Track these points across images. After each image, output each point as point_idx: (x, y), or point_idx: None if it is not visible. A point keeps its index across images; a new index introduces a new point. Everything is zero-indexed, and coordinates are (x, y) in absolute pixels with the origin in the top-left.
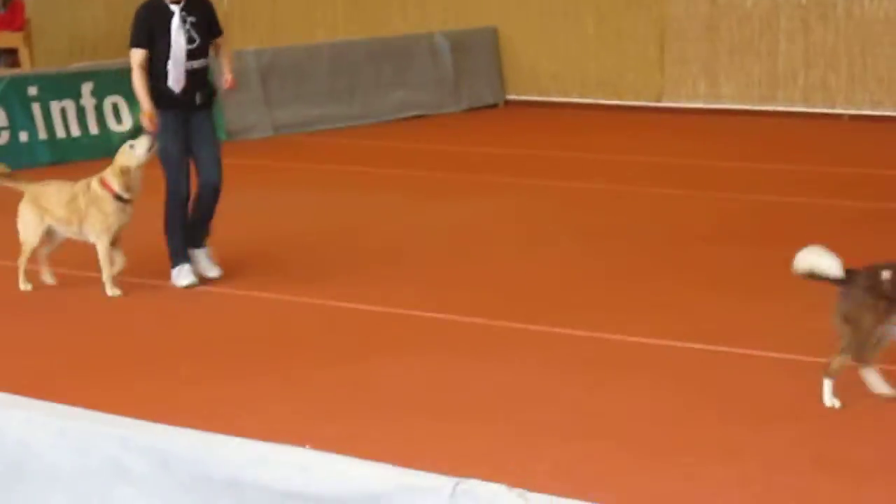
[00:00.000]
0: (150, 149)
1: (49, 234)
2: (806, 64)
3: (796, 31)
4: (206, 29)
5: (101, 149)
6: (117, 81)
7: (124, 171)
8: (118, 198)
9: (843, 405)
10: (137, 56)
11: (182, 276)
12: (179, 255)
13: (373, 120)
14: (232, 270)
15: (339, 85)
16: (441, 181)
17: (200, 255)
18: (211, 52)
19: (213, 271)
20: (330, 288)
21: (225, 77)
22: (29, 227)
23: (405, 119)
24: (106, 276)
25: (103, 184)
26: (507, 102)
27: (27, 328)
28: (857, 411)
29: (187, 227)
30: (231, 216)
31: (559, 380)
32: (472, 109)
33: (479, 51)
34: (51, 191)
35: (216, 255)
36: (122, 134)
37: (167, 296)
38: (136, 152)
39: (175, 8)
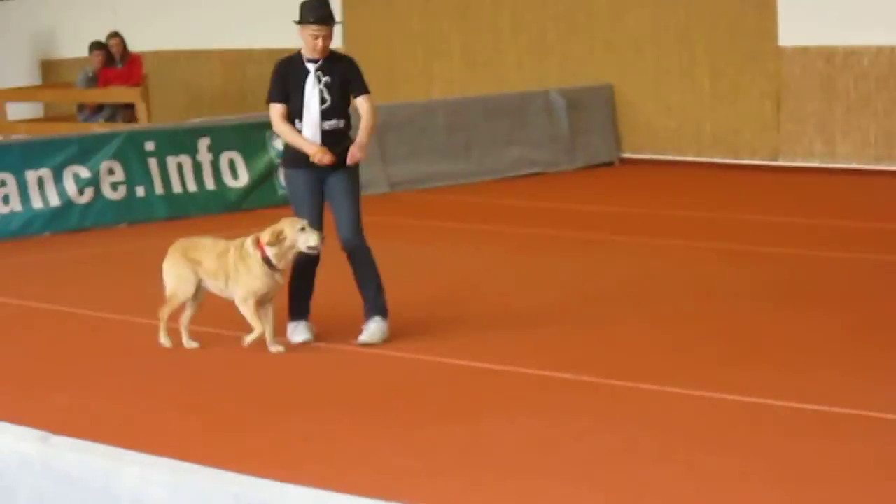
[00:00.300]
0: (318, 244)
1: (198, 289)
2: None
3: None
4: (342, 89)
5: (217, 204)
6: (234, 137)
7: (280, 239)
8: (267, 262)
9: None
10: (277, 109)
11: (297, 332)
12: (296, 312)
13: (488, 177)
14: (348, 326)
15: (455, 141)
16: (556, 238)
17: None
18: (353, 111)
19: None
20: (443, 344)
21: (351, 149)
22: (181, 280)
23: (521, 176)
24: (257, 335)
25: (257, 244)
26: (623, 160)
27: (146, 379)
28: None
29: (308, 288)
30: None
31: (669, 440)
32: (587, 167)
33: (594, 108)
34: (204, 243)
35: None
36: (237, 190)
37: (285, 350)
38: (304, 238)
39: (311, 66)
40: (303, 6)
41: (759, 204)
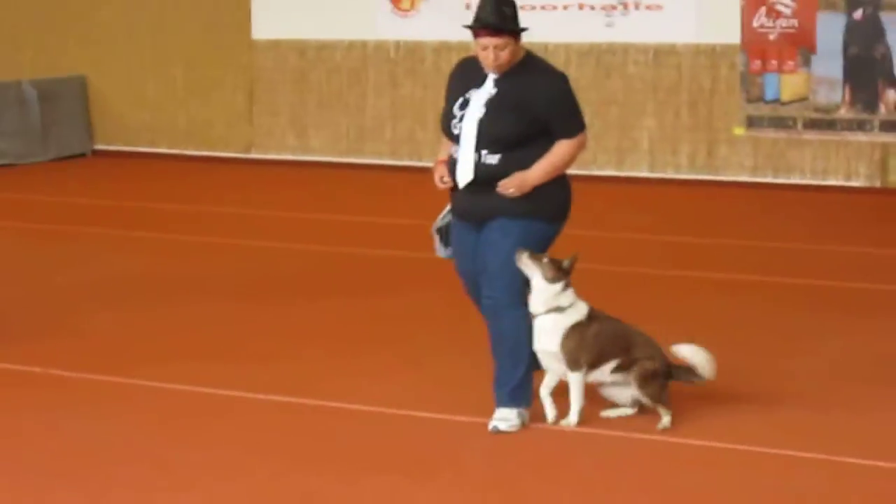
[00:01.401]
0: None
1: None
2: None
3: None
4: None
5: None
6: None
7: None
8: None
9: None
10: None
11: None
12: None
13: None
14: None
15: None
16: (25, 231)
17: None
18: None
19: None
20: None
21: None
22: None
23: None
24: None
25: None
26: (96, 152)
27: None
28: None
29: None
30: None
31: (141, 434)
32: (59, 159)
33: (67, 99)
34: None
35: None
36: None
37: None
38: None
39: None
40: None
41: (232, 196)
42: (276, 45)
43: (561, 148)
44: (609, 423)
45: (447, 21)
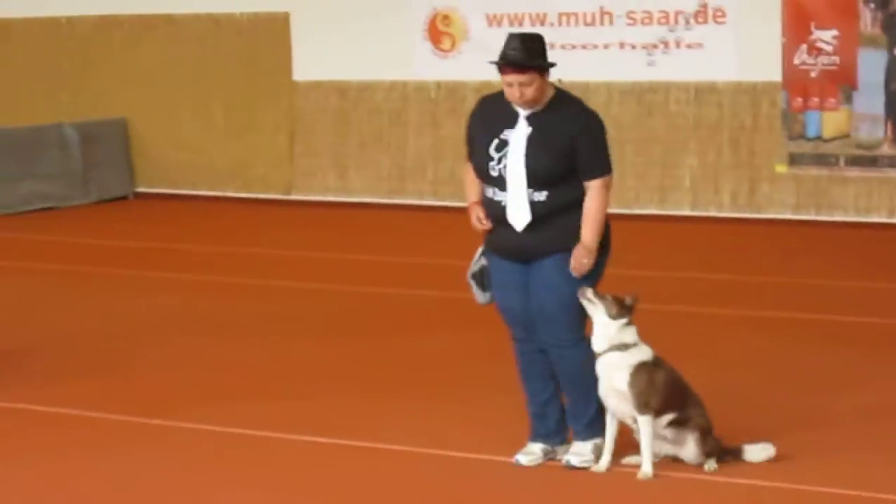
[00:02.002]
0: None
1: None
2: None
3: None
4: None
5: None
6: None
7: None
8: None
9: None
10: None
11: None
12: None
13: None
14: None
15: None
16: (70, 273)
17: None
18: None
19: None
20: None
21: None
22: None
23: (33, 211)
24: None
25: None
26: (137, 195)
27: None
28: None
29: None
30: None
31: (179, 474)
32: (101, 202)
33: (108, 141)
34: None
35: None
36: None
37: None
38: None
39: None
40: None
41: (273, 238)
42: (317, 86)
43: (594, 200)
44: (659, 463)
45: (487, 61)
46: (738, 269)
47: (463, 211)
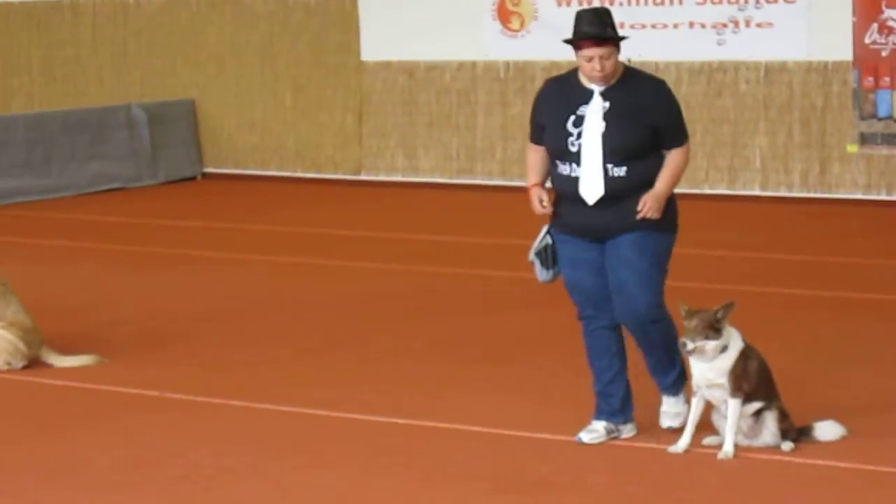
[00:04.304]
0: None
1: None
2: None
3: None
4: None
5: None
6: None
7: None
8: None
9: None
10: None
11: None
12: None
13: (68, 193)
14: None
15: (35, 156)
16: (137, 254)
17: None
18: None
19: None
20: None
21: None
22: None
23: (101, 192)
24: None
25: None
26: (205, 175)
27: None
28: None
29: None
30: None
31: (263, 458)
32: (169, 182)
33: (176, 122)
34: None
35: None
36: None
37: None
38: None
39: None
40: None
41: (341, 218)
42: (385, 67)
43: (676, 159)
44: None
45: (557, 40)
46: (809, 250)
47: None
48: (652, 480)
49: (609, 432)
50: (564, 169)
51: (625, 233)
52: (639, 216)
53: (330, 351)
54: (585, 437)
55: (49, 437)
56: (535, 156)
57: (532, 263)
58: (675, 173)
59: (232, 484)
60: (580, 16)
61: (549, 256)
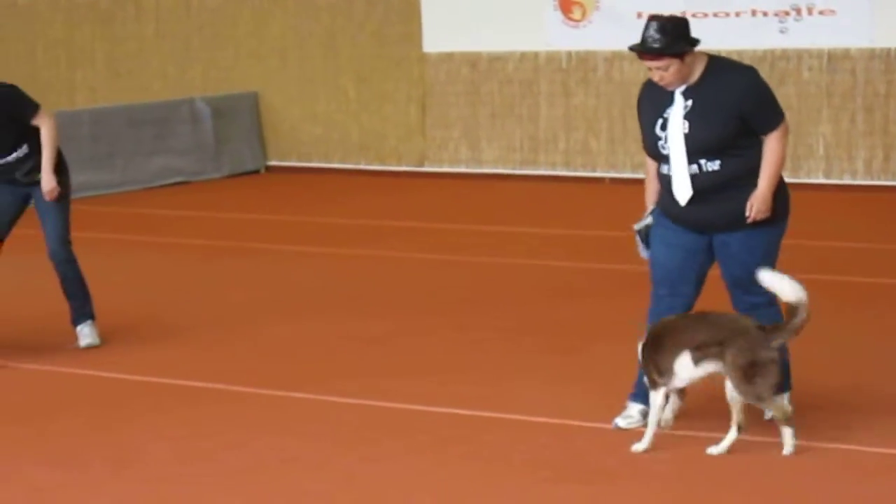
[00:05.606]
0: None
1: None
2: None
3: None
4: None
5: None
6: None
7: None
8: None
9: None
10: None
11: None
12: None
13: (132, 187)
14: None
15: (99, 151)
16: (204, 248)
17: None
18: None
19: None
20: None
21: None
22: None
23: (165, 186)
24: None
25: None
26: (269, 168)
27: None
28: None
29: None
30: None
31: (328, 450)
32: (233, 175)
33: (239, 116)
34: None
35: None
36: None
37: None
38: None
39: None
40: None
41: (407, 210)
42: (448, 58)
43: (773, 148)
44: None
45: (619, 30)
46: (874, 238)
47: (595, 182)
48: (715, 472)
49: (644, 415)
50: (663, 168)
51: (733, 230)
52: (748, 220)
53: (393, 342)
54: (622, 422)
55: (113, 430)
56: (651, 170)
57: (635, 238)
58: (775, 166)
59: (297, 476)
60: (646, 24)
61: (648, 236)
